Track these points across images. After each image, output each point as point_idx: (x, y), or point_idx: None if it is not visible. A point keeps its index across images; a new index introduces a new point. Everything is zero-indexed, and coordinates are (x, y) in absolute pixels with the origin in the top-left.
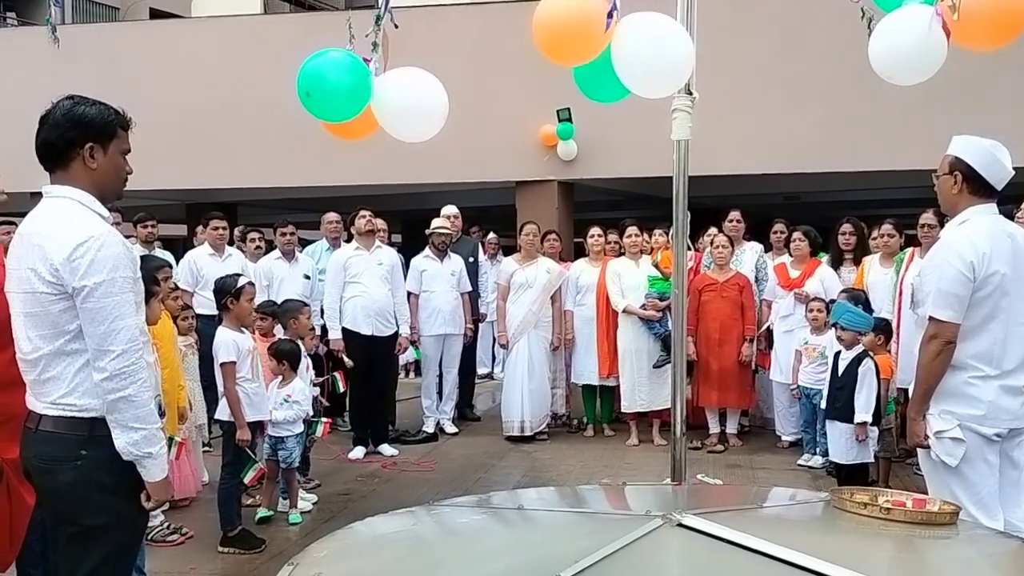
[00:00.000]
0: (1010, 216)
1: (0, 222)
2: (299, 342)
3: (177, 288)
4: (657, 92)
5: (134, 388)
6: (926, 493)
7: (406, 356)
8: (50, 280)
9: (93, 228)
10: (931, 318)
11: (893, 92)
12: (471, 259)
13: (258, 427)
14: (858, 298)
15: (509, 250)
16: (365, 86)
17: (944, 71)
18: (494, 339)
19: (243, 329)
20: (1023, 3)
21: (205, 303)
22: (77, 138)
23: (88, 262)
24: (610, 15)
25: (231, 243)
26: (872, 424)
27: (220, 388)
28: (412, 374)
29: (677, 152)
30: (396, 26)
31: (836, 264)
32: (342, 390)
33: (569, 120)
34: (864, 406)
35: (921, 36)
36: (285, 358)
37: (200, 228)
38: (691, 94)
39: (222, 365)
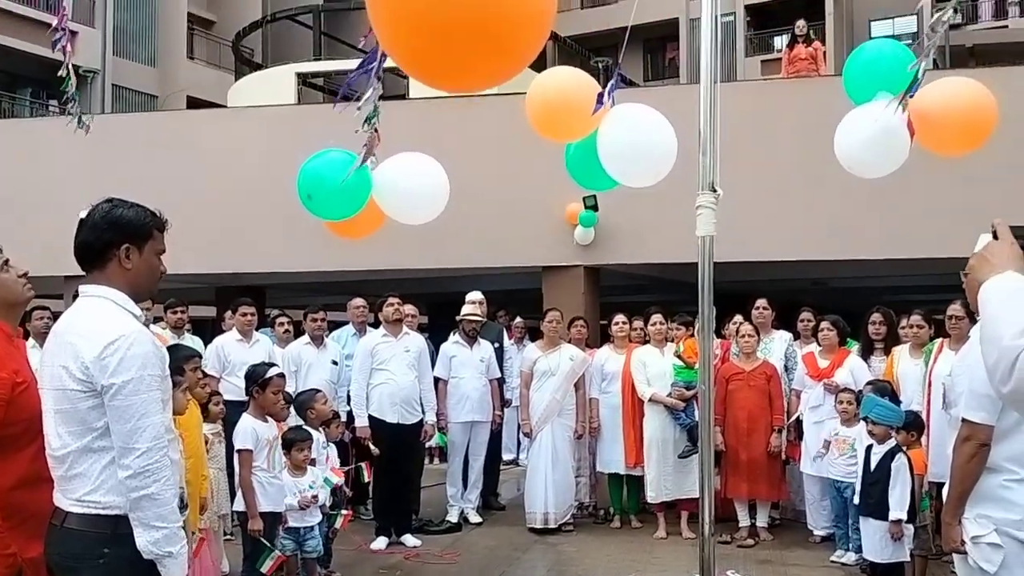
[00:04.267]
0: None
1: (34, 307)
2: (315, 430)
3: (205, 375)
4: (639, 182)
5: (157, 487)
6: None
7: (431, 442)
8: (80, 378)
9: (124, 327)
10: (964, 420)
11: (919, 179)
12: (496, 345)
13: (276, 518)
14: (884, 390)
15: (536, 332)
16: (364, 183)
17: (973, 157)
18: (519, 425)
19: (267, 418)
20: (989, 111)
21: (232, 389)
22: (114, 239)
23: (117, 360)
24: (601, 100)
25: (260, 327)
26: (907, 521)
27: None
28: (436, 460)
29: (701, 248)
30: (376, 130)
31: (866, 353)
32: (367, 480)
33: (595, 208)
34: (898, 503)
35: (881, 132)
36: (295, 445)
37: (228, 313)
38: (715, 191)
39: (238, 452)
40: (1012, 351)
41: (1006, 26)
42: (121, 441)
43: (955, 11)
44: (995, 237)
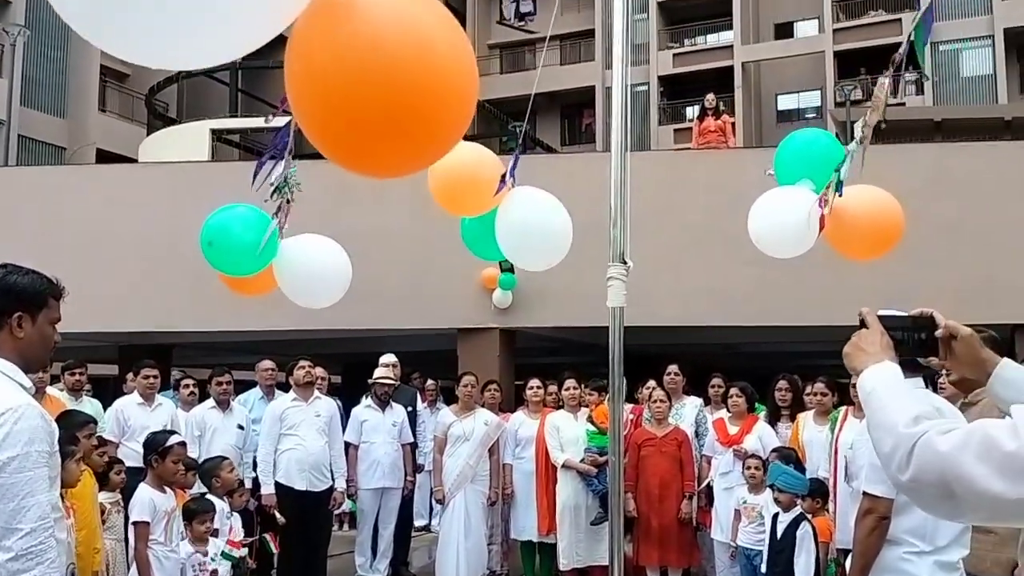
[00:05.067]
0: (935, 384)
1: None
2: (218, 500)
3: (102, 442)
4: (533, 267)
5: (41, 569)
6: None
7: (341, 508)
8: None
9: (11, 400)
10: (865, 493)
11: (827, 249)
12: (409, 408)
13: None
14: (788, 457)
15: (450, 393)
16: (269, 245)
17: None
18: (432, 490)
19: (165, 488)
20: (897, 224)
21: (131, 455)
22: (6, 307)
23: (3, 436)
24: (504, 180)
25: (164, 389)
26: None
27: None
28: (346, 526)
29: (612, 318)
30: (288, 201)
31: (773, 419)
32: (274, 552)
33: (511, 270)
34: (803, 571)
35: (798, 221)
36: (196, 517)
37: (131, 375)
38: (625, 263)
39: (134, 524)
40: (909, 439)
41: (903, 103)
42: (3, 521)
43: (855, 88)
44: (863, 326)
